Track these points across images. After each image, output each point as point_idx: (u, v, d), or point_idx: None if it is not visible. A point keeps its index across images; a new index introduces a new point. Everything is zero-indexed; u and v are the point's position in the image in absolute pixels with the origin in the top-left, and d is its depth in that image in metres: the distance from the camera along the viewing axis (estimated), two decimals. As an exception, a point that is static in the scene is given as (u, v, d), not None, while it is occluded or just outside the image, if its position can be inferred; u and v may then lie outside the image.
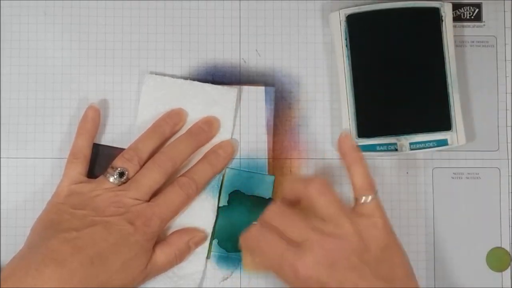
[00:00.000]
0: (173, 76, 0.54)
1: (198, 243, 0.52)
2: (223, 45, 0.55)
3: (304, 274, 0.44)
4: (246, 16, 0.55)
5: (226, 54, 0.55)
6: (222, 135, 0.54)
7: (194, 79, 0.54)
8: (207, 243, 0.53)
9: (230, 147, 0.53)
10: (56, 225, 0.47)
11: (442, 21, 0.53)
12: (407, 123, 0.53)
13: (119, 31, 0.54)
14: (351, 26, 0.52)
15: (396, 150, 0.53)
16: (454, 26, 0.53)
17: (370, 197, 0.47)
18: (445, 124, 0.53)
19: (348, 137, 0.50)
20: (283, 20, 0.55)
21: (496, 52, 0.56)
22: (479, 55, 0.55)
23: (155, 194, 0.50)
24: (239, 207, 0.53)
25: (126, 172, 0.50)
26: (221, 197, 0.53)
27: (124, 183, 0.50)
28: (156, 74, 0.54)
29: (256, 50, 0.55)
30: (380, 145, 0.53)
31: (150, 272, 0.49)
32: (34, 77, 0.54)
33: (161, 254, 0.50)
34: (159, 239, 0.50)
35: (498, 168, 0.55)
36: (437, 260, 0.54)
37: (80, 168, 0.51)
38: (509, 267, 0.54)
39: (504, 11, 0.56)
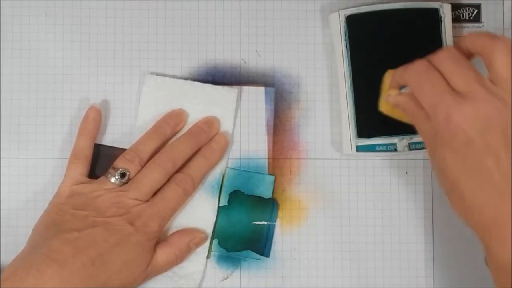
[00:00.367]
0: (173, 76, 0.54)
1: (198, 244, 0.52)
2: (223, 46, 0.55)
3: (456, 122, 0.42)
4: (246, 16, 0.55)
5: (226, 55, 0.55)
6: (222, 135, 0.54)
7: (194, 80, 0.54)
8: (207, 243, 0.53)
9: (223, 139, 0.53)
10: (58, 225, 0.47)
11: (441, 21, 0.53)
12: (407, 123, 0.53)
13: (119, 31, 0.54)
14: (351, 27, 0.52)
15: (396, 150, 0.53)
16: (453, 27, 0.54)
17: None
18: (444, 124, 0.53)
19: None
20: (283, 21, 0.55)
21: (496, 52, 0.56)
22: (478, 55, 0.56)
23: (155, 194, 0.50)
24: (239, 207, 0.54)
25: (128, 173, 0.50)
26: (221, 197, 0.53)
27: (125, 183, 0.50)
28: (157, 74, 0.54)
29: (256, 51, 0.55)
30: (380, 145, 0.53)
31: (151, 272, 0.49)
32: (35, 77, 0.54)
33: (162, 254, 0.50)
34: (160, 239, 0.51)
35: (497, 168, 0.55)
36: (436, 260, 0.54)
37: (82, 168, 0.51)
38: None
39: (503, 12, 0.56)
